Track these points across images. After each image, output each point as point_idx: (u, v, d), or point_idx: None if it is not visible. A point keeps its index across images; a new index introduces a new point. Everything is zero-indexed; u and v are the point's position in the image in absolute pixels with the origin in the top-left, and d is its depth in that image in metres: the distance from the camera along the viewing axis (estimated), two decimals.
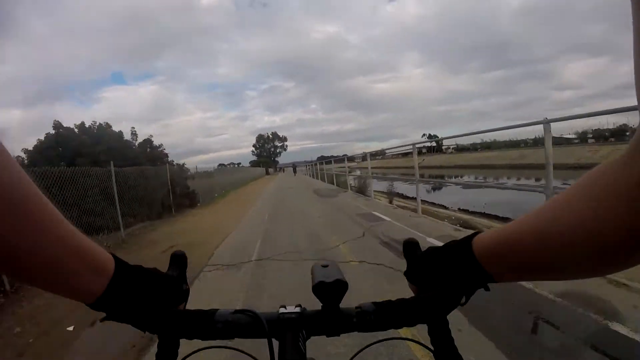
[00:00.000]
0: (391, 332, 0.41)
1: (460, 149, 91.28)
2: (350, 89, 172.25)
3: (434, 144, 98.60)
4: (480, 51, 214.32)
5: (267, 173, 53.89)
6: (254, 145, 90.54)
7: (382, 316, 0.37)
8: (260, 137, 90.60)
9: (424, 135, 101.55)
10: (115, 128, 11.69)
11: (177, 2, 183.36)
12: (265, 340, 0.36)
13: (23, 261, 0.27)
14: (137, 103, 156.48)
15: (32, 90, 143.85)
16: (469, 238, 0.36)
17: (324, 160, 19.23)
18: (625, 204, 0.24)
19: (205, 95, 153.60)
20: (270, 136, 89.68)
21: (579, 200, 0.27)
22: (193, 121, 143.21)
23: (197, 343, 0.39)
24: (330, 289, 0.36)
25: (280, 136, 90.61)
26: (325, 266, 0.39)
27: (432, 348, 0.39)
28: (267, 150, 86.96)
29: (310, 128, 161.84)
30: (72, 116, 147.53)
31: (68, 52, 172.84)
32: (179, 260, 0.43)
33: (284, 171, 53.16)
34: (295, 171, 38.34)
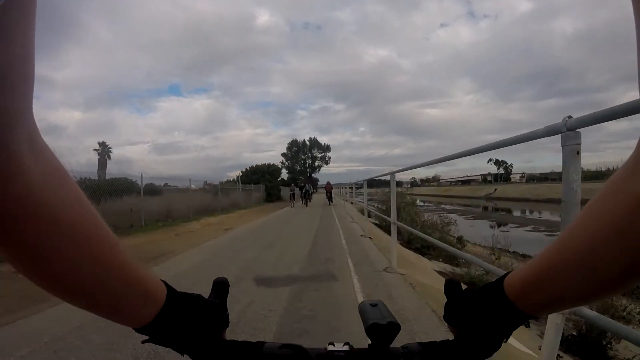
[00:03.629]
0: None
1: (530, 178, 77.34)
2: (400, 114, 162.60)
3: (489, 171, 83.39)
4: (533, 79, 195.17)
5: (274, 198, 25.70)
6: (283, 154, 62.28)
7: (428, 357, 0.38)
8: (293, 144, 63.03)
9: (489, 160, 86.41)
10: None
11: (235, 22, 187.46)
12: None
13: (76, 286, 0.27)
14: (191, 115, 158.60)
15: (92, 94, 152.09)
16: (501, 279, 0.35)
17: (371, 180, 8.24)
18: (630, 216, 0.24)
19: (257, 112, 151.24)
20: (308, 143, 62.63)
21: (593, 217, 0.27)
22: (243, 136, 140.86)
23: None
24: (383, 331, 0.36)
25: (323, 144, 63.82)
26: (374, 305, 0.39)
27: None
28: (302, 161, 62.11)
29: (358, 151, 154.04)
30: (128, 122, 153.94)
31: (129, 61, 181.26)
32: (221, 286, 0.41)
33: (308, 199, 20.39)
34: (330, 198, 19.70)
